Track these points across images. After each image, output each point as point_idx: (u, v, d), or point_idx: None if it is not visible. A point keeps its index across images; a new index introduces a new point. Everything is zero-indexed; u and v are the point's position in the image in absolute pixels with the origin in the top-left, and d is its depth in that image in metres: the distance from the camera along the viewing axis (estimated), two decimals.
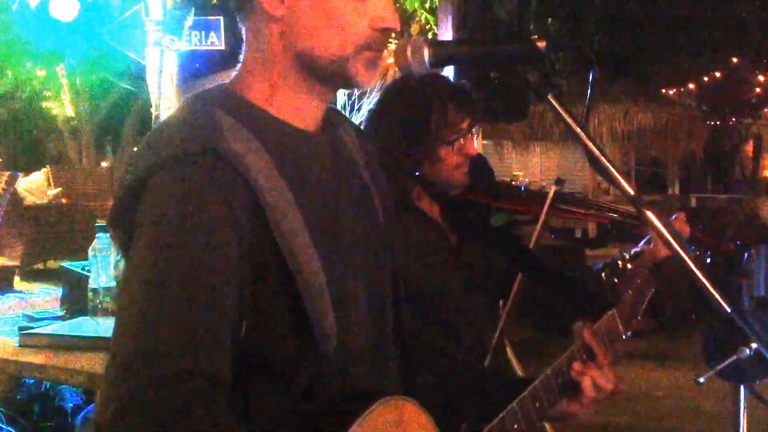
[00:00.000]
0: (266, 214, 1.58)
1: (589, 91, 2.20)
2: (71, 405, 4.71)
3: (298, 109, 1.74)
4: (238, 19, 1.76)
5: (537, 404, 2.13)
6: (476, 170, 2.86)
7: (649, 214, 1.81)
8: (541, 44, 1.84)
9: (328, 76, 1.73)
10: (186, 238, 1.51)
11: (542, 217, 3.14)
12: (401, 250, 2.57)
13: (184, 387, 1.42)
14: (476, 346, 2.84)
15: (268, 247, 1.59)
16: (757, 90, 18.64)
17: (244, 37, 1.75)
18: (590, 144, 1.80)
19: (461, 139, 2.74)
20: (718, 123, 19.88)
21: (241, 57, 1.76)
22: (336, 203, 1.75)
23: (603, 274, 2.49)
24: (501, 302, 3.96)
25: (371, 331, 1.80)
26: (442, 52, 1.85)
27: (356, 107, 9.76)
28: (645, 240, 2.84)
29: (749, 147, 22.03)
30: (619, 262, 2.52)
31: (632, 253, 2.70)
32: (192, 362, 1.45)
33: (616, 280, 2.47)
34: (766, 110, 19.30)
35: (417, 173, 2.73)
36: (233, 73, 1.78)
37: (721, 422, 6.85)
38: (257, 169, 1.59)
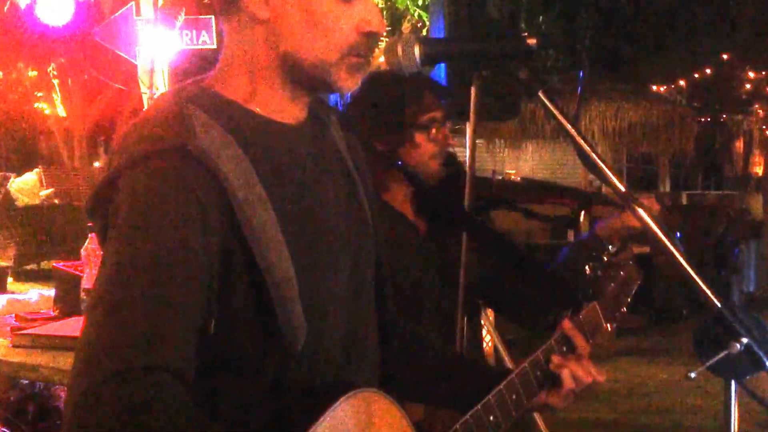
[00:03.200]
0: (236, 211, 1.58)
1: (579, 88, 2.21)
2: None
3: (279, 105, 1.74)
4: (220, 19, 1.75)
5: (514, 396, 2.14)
6: (448, 164, 2.87)
7: (640, 211, 1.82)
8: (532, 41, 1.85)
9: (311, 79, 1.73)
10: (152, 236, 1.52)
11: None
12: None
13: (145, 381, 1.43)
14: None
15: (238, 244, 1.59)
16: (748, 86, 18.65)
17: (225, 35, 1.75)
18: (580, 140, 1.81)
19: (435, 128, 2.75)
20: (709, 120, 19.89)
21: (221, 55, 1.76)
22: (317, 196, 1.76)
23: (587, 267, 2.50)
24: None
25: (346, 325, 1.80)
26: (433, 50, 1.86)
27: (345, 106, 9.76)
28: (611, 217, 2.85)
29: (740, 143, 22.05)
30: (604, 256, 2.53)
31: (618, 246, 2.71)
32: (154, 357, 1.45)
33: (599, 273, 2.48)
34: (756, 106, 19.33)
35: (397, 161, 2.74)
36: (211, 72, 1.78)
37: (712, 418, 6.89)
38: (228, 165, 1.59)
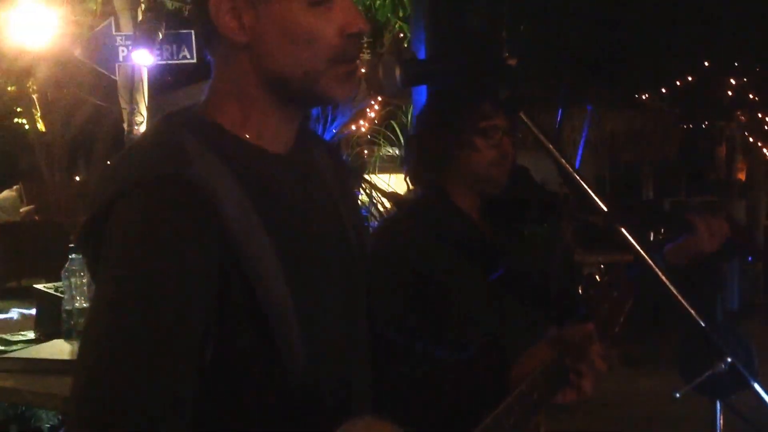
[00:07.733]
0: (232, 240, 1.55)
1: (560, 99, 2.20)
2: (48, 426, 4.68)
3: (271, 132, 1.71)
4: (207, 52, 1.73)
5: (512, 420, 2.12)
6: (520, 180, 2.89)
7: (623, 231, 1.81)
8: (512, 61, 1.84)
9: (301, 93, 1.70)
10: (148, 265, 1.49)
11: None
12: (424, 244, 2.62)
13: (145, 413, 1.41)
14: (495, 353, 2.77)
15: (234, 273, 1.56)
16: (730, 93, 18.72)
17: (213, 67, 1.73)
18: (562, 161, 1.80)
19: (496, 134, 2.75)
20: (691, 126, 19.96)
21: (212, 82, 1.73)
22: (306, 226, 1.73)
23: (580, 288, 2.48)
24: None
25: (343, 352, 1.78)
26: (413, 71, 1.85)
27: (330, 119, 9.75)
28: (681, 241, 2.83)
29: (723, 150, 22.14)
30: (597, 276, 2.52)
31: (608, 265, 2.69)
32: (153, 387, 1.43)
33: (592, 293, 2.47)
34: (739, 113, 19.40)
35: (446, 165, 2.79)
36: (203, 96, 1.74)
37: (698, 428, 6.88)
38: (224, 194, 1.56)
